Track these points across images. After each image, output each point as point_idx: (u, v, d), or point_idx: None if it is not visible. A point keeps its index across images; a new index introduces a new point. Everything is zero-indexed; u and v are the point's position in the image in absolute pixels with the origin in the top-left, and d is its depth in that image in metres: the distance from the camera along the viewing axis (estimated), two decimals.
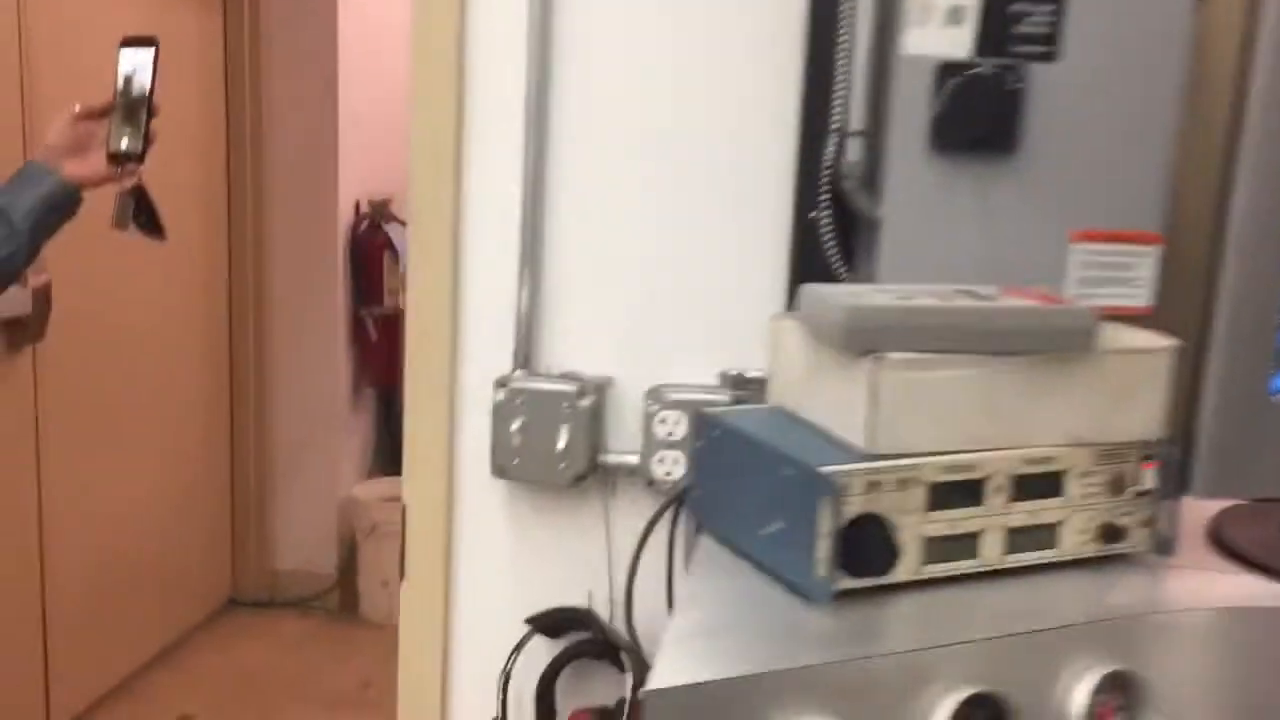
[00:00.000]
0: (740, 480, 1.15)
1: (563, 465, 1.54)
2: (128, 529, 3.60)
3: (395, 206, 4.39)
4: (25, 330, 2.99)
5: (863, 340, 1.06)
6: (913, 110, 1.24)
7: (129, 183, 1.79)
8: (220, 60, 3.95)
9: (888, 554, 1.06)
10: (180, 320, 3.84)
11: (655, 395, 1.53)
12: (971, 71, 1.20)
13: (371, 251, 4.33)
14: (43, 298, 2.99)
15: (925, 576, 1.09)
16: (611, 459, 1.57)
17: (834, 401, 1.12)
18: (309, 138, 4.12)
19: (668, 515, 1.46)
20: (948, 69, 1.21)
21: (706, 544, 1.20)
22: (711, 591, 1.10)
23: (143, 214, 1.81)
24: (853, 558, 1.05)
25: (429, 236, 1.57)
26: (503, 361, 1.58)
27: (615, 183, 1.55)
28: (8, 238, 1.74)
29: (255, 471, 4.31)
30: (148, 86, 1.77)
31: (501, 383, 1.56)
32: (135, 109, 1.77)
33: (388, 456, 4.66)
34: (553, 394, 1.54)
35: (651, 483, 1.54)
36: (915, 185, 1.25)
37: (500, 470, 1.57)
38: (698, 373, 1.55)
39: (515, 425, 1.54)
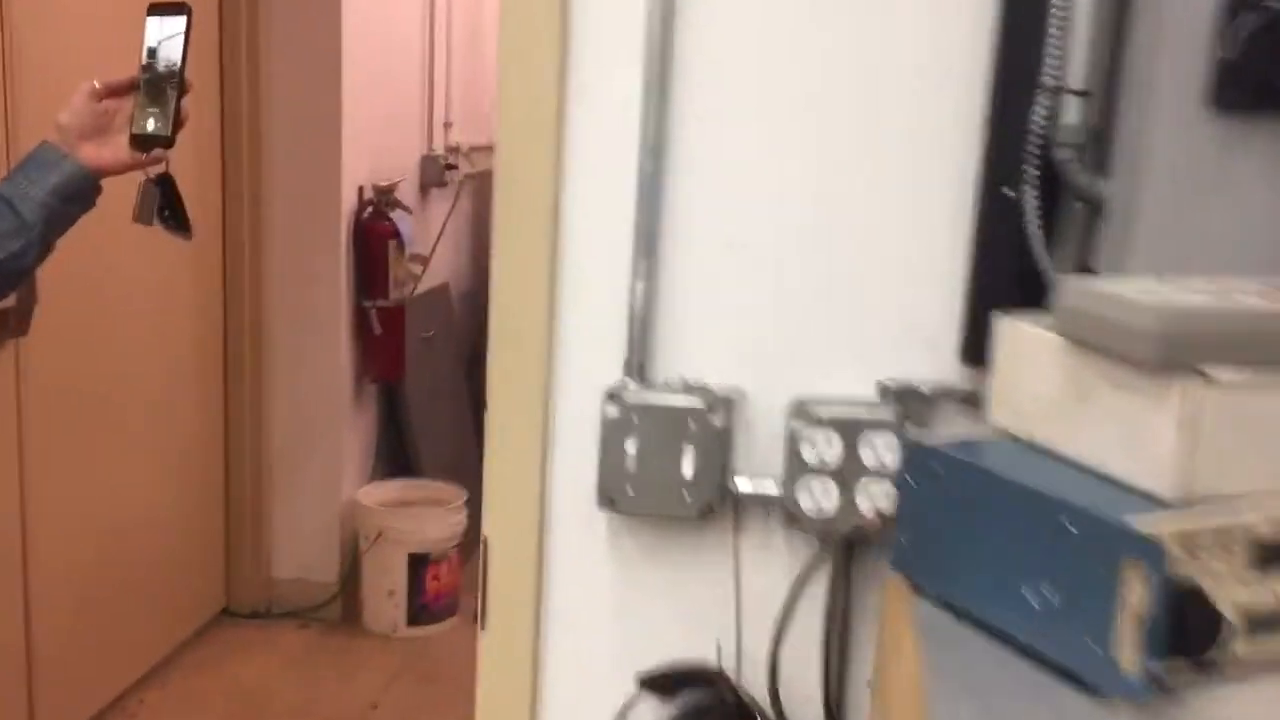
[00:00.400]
0: (982, 532, 0.89)
1: (688, 495, 1.27)
2: (116, 536, 3.40)
3: (401, 192, 4.15)
4: (7, 324, 2.77)
5: (1182, 353, 0.79)
6: (1180, 58, 0.97)
7: (155, 171, 1.57)
8: (215, 33, 3.68)
9: (1208, 633, 0.80)
10: (173, 314, 3.62)
11: (801, 411, 1.26)
12: (1276, 3, 0.93)
13: (376, 240, 4.08)
14: (28, 289, 2.74)
15: (1246, 661, 0.83)
16: (744, 488, 1.30)
17: (1118, 431, 0.86)
18: (310, 117, 3.85)
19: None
20: (1237, 3, 0.95)
21: (925, 610, 0.94)
22: (967, 678, 0.84)
23: (168, 207, 1.56)
24: (1159, 638, 0.79)
25: (521, 215, 1.30)
26: (610, 369, 1.31)
27: (751, 150, 1.28)
28: (16, 231, 1.49)
29: (251, 473, 4.07)
30: (178, 60, 1.54)
31: (613, 395, 1.28)
32: (163, 86, 1.54)
33: (392, 458, 4.44)
34: (677, 410, 1.27)
35: (794, 518, 1.27)
36: (1183, 153, 0.98)
37: (609, 501, 1.30)
38: (849, 384, 1.28)
39: (630, 447, 1.27)
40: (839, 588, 1.24)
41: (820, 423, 1.24)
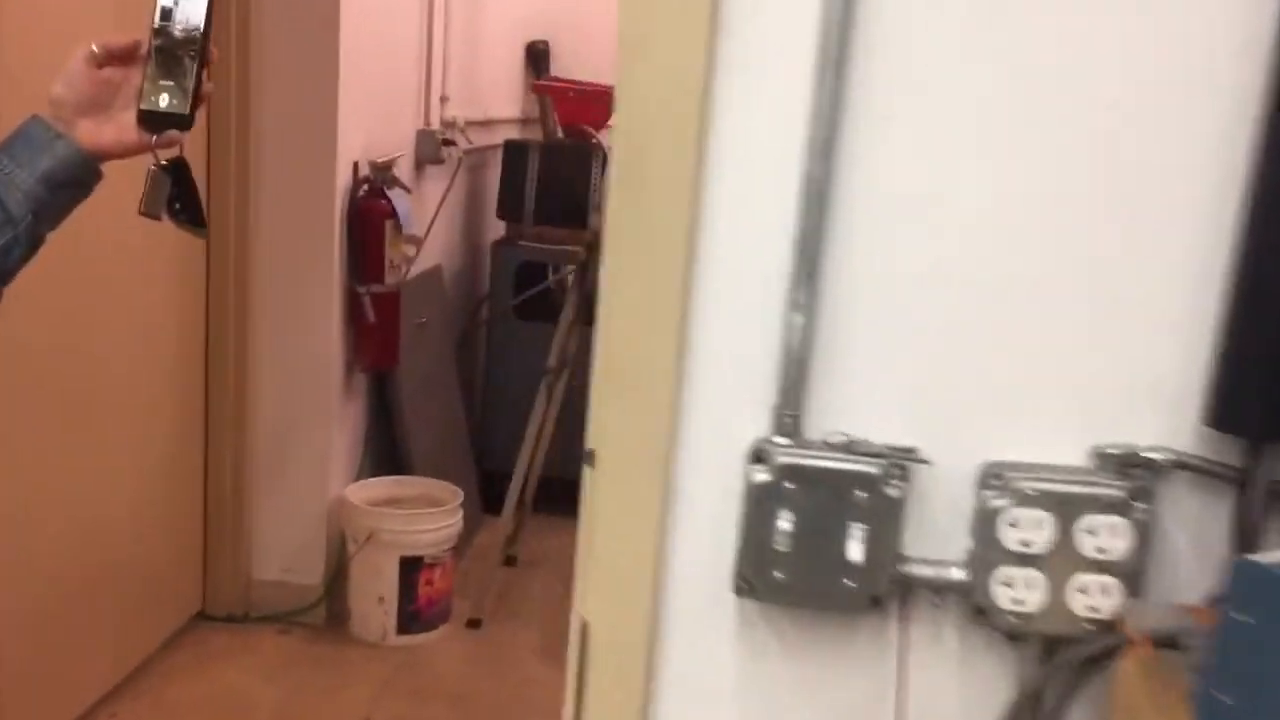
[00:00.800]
0: None
1: (852, 583, 1.02)
2: (85, 534, 3.22)
3: (399, 169, 3.94)
4: None
5: None
6: None
7: (167, 155, 1.33)
8: None
9: None
10: (151, 296, 3.40)
11: (998, 482, 1.01)
12: None
13: (371, 221, 3.86)
14: None
15: None
16: (919, 572, 1.05)
17: None
18: (304, 86, 3.63)
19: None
20: None
21: None
22: None
23: (180, 199, 1.33)
24: None
25: (646, 224, 1.04)
26: (755, 421, 1.05)
27: (945, 160, 1.03)
28: (1, 225, 1.25)
29: (232, 467, 3.86)
30: (200, 24, 1.30)
31: (760, 455, 1.03)
32: (178, 54, 1.31)
33: (381, 453, 4.23)
34: (843, 475, 1.01)
35: (983, 612, 1.02)
36: None
37: (747, 586, 1.05)
38: (1054, 448, 1.03)
39: (783, 521, 1.01)
40: (1051, 711, 0.99)
41: (1026, 498, 0.99)
